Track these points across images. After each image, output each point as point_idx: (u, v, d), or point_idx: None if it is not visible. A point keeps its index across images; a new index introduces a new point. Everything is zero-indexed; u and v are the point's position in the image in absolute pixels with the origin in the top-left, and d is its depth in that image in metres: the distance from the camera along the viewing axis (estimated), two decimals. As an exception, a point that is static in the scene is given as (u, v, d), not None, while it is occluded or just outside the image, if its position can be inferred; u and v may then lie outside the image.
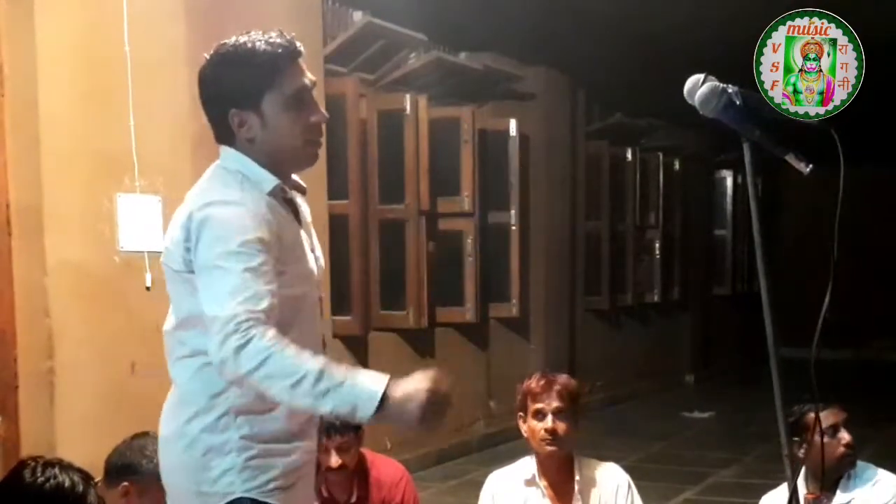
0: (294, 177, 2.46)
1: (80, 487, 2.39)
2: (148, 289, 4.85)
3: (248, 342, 2.08)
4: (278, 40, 2.32)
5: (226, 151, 2.39)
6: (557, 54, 9.42)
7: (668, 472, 7.55)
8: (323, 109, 2.42)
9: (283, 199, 2.36)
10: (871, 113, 6.68)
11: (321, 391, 2.07)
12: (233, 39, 2.35)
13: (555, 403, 3.39)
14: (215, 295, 2.16)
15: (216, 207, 2.23)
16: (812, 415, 3.51)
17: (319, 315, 2.46)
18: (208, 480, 2.27)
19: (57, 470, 2.40)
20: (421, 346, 8.03)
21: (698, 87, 2.06)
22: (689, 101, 2.08)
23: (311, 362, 2.09)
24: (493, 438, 8.43)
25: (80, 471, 2.45)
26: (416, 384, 2.11)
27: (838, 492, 3.61)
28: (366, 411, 2.08)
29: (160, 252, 4.85)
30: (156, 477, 2.97)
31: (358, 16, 7.42)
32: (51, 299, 4.59)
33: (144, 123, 4.77)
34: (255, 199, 2.27)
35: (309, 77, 2.37)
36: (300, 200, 2.48)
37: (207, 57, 2.38)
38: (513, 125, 9.01)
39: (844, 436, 3.57)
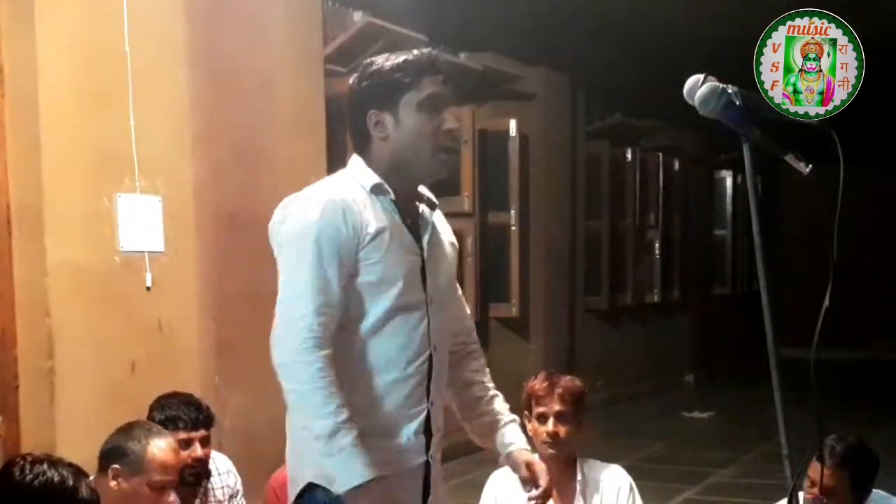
0: (424, 190, 2.60)
1: (71, 482, 2.37)
2: (148, 289, 4.85)
3: (295, 363, 2.29)
4: (422, 52, 2.53)
5: (351, 159, 2.55)
6: (557, 54, 9.42)
7: (668, 472, 7.55)
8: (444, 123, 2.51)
9: (391, 200, 2.48)
10: (871, 113, 6.68)
11: (315, 449, 2.29)
12: (381, 56, 2.54)
13: (556, 407, 3.38)
14: (287, 288, 2.37)
15: (299, 203, 2.41)
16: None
17: (426, 322, 2.50)
18: (299, 468, 2.42)
19: (45, 466, 2.38)
20: (421, 346, 8.02)
21: (698, 87, 2.06)
22: (689, 102, 2.08)
23: (326, 420, 2.27)
24: (493, 438, 8.41)
25: (70, 465, 2.44)
26: None
27: None
28: (342, 485, 2.28)
29: (160, 252, 4.93)
30: (142, 459, 3.00)
31: (358, 16, 7.42)
32: (51, 299, 4.58)
33: (145, 123, 4.77)
34: (351, 190, 2.44)
35: (444, 89, 2.51)
36: (430, 215, 2.59)
37: (357, 75, 2.56)
38: (513, 125, 9.00)
39: None
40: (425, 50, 2.55)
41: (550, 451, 3.39)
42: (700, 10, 9.12)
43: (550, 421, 3.38)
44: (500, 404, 2.78)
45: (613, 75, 10.10)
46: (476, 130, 8.43)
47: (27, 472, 2.36)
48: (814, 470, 3.34)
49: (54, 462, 2.42)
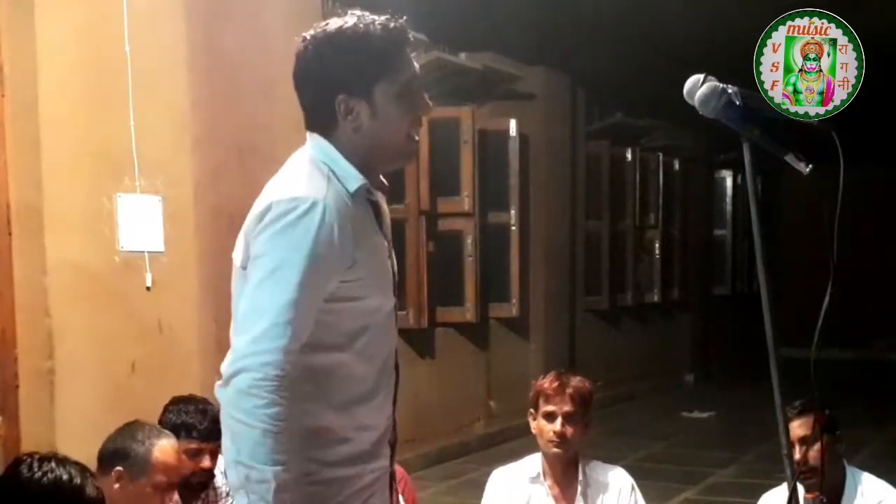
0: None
1: (78, 480, 2.38)
2: (148, 289, 4.86)
3: (254, 396, 2.00)
4: (392, 24, 2.17)
5: (316, 140, 2.21)
6: (557, 54, 9.42)
7: (668, 472, 7.55)
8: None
9: (367, 200, 2.20)
10: (871, 113, 6.68)
11: (252, 490, 2.01)
12: (340, 21, 2.18)
13: (566, 407, 3.39)
14: (256, 311, 2.05)
15: (296, 207, 2.06)
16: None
17: (395, 325, 2.28)
18: None
19: (54, 464, 2.39)
20: (421, 346, 8.03)
21: (698, 87, 2.06)
22: (689, 102, 2.08)
23: (273, 469, 2.00)
24: (493, 438, 8.41)
25: (77, 464, 2.45)
26: None
27: None
28: None
29: (160, 252, 4.94)
30: (147, 461, 2.99)
31: (358, 16, 7.41)
32: (51, 299, 4.59)
33: (144, 123, 4.78)
34: (339, 197, 2.11)
35: (416, 66, 2.23)
36: (381, 201, 2.31)
37: (308, 37, 2.20)
38: (513, 125, 9.00)
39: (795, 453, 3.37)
40: (390, 22, 2.17)
41: (556, 450, 3.40)
42: (700, 10, 9.12)
43: (558, 420, 3.38)
44: None
45: (613, 75, 10.10)
46: (476, 130, 8.44)
47: (35, 469, 2.37)
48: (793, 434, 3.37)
49: (61, 460, 2.43)
